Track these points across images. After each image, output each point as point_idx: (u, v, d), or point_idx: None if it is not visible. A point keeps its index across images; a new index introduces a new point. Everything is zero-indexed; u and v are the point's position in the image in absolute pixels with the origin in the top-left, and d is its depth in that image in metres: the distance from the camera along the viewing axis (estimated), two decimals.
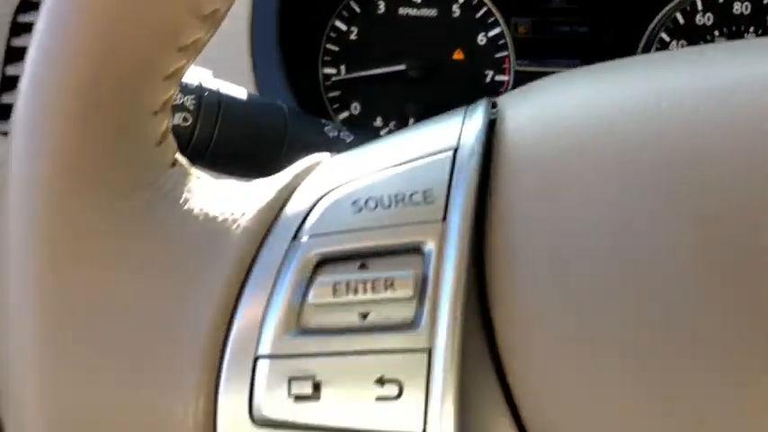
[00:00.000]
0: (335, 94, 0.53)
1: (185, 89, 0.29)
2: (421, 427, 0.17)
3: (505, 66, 0.53)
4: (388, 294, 0.18)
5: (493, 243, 0.18)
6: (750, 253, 0.16)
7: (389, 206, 0.19)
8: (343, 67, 0.53)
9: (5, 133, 0.42)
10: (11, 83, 0.44)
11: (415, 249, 0.18)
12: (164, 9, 0.19)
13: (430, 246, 0.18)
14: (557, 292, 0.17)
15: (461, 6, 0.53)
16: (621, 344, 0.17)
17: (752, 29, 0.52)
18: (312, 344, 0.18)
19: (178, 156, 0.20)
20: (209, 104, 0.30)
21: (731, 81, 0.19)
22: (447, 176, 0.19)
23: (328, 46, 0.53)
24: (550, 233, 0.18)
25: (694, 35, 0.52)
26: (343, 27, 0.53)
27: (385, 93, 0.53)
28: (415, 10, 0.53)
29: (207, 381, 0.18)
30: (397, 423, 0.17)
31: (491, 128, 0.20)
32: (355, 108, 0.53)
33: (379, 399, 0.17)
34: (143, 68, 0.19)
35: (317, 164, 0.21)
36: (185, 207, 0.19)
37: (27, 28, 0.45)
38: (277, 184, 0.20)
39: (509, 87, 0.53)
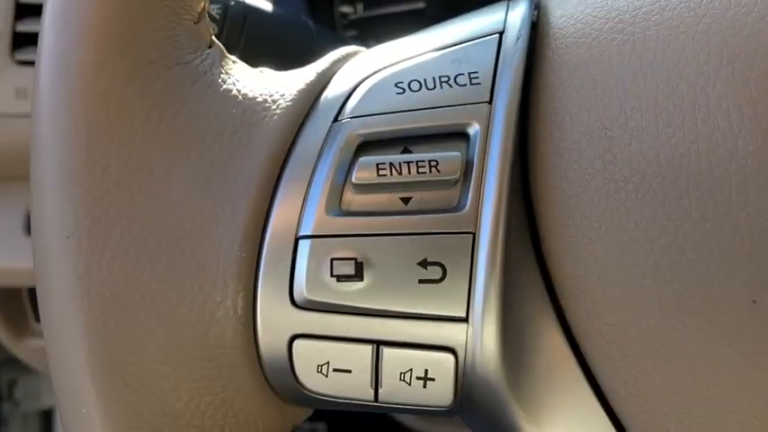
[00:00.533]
0: (352, 33, 0.52)
1: None
2: (464, 311, 0.17)
3: None
4: (433, 176, 0.17)
5: (538, 125, 0.18)
6: None
7: (434, 88, 0.18)
8: (360, 6, 0.52)
9: (25, 62, 0.41)
10: (25, 11, 0.43)
11: (460, 132, 0.18)
12: None
13: (476, 127, 0.18)
14: (601, 174, 0.17)
15: None
16: (663, 226, 0.16)
17: None
18: (355, 224, 0.17)
19: (214, 39, 0.19)
20: (235, 14, 0.29)
21: None
22: (494, 58, 0.18)
23: None
24: (596, 114, 0.17)
25: None
26: None
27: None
28: None
29: (248, 264, 0.18)
30: (439, 306, 0.17)
31: (537, 13, 0.20)
32: None
33: (422, 281, 0.17)
34: None
35: (356, 52, 0.20)
36: (223, 87, 0.18)
37: None
38: (316, 69, 0.19)
39: None
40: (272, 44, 0.31)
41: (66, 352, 0.18)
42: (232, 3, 0.29)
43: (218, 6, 0.29)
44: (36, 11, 0.43)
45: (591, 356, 0.17)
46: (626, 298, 0.16)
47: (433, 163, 0.17)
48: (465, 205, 0.17)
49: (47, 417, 0.99)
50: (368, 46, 0.55)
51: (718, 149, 0.15)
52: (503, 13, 0.20)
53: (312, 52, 0.32)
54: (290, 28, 0.32)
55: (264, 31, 0.30)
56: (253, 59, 0.31)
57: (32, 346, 0.50)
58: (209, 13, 0.29)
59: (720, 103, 0.16)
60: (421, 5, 0.51)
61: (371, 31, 0.52)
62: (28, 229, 0.43)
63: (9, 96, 0.40)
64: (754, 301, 0.15)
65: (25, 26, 0.42)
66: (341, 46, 0.35)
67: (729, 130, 0.15)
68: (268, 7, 0.31)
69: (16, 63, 0.41)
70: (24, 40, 0.43)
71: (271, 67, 0.27)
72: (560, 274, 0.17)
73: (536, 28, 0.19)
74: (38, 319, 0.47)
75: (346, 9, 0.52)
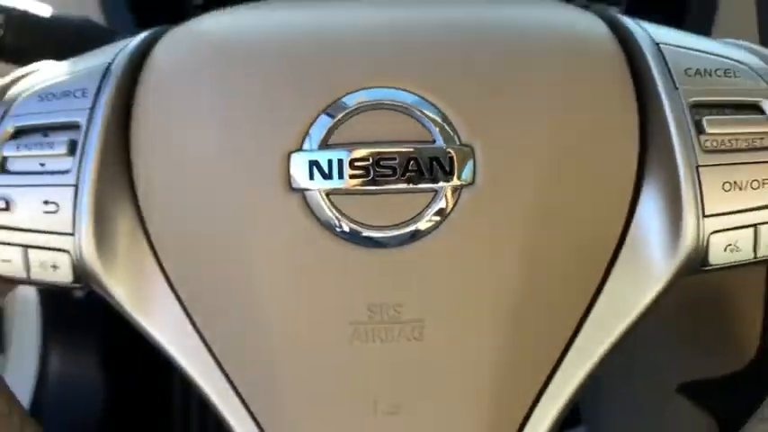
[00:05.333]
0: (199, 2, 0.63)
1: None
2: (71, 229, 0.29)
3: None
4: (55, 151, 0.29)
5: (136, 116, 0.30)
6: None
7: (60, 99, 0.30)
8: None
9: None
10: None
11: (72, 124, 0.30)
12: None
13: (81, 122, 0.29)
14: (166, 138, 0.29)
15: None
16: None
17: None
18: (8, 179, 0.30)
19: None
20: (17, 18, 0.40)
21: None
22: (99, 79, 0.30)
23: None
24: (164, 110, 0.29)
25: None
26: None
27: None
28: None
29: None
30: (56, 227, 0.29)
31: (147, 48, 0.31)
32: None
33: (45, 213, 0.29)
34: None
35: (32, 71, 0.32)
36: None
37: None
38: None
39: None
40: (48, 35, 0.42)
41: None
42: (14, 12, 0.40)
43: (2, 15, 0.40)
44: None
45: (154, 235, 0.29)
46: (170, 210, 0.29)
47: (57, 142, 0.29)
48: (72, 169, 0.29)
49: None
50: None
51: None
52: (121, 47, 0.31)
53: (82, 41, 0.43)
54: (65, 24, 0.43)
55: (42, 27, 0.42)
56: (34, 48, 0.42)
57: None
58: None
59: None
60: None
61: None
62: None
63: None
64: None
65: None
66: (106, 37, 0.46)
67: None
68: (47, 12, 0.42)
69: None
70: None
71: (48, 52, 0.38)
72: (147, 206, 0.29)
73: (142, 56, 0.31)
74: None
75: None
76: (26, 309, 1.03)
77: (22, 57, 0.40)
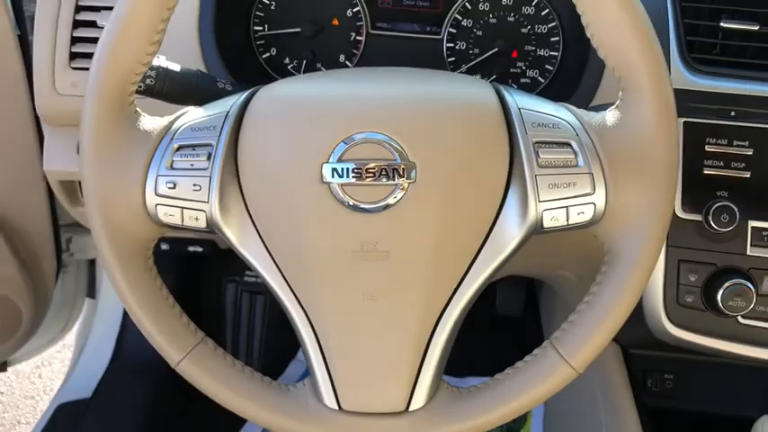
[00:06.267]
0: (261, 42, 0.89)
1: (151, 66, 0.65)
2: (206, 199, 0.55)
3: (362, 30, 0.87)
4: (199, 158, 0.55)
5: (241, 140, 0.55)
6: None
7: (202, 130, 0.56)
8: (266, 26, 0.88)
9: (77, 68, 0.80)
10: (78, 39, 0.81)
11: (209, 144, 0.55)
12: (148, 18, 0.53)
13: (213, 143, 0.55)
14: (259, 164, 0.54)
15: None
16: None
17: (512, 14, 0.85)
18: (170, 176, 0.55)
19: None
20: (161, 71, 0.66)
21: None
22: (222, 120, 0.56)
23: (257, 12, 0.88)
24: (255, 136, 0.55)
25: (480, 18, 0.85)
26: (267, 2, 0.88)
27: (290, 43, 0.88)
28: None
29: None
30: (198, 197, 0.56)
31: (247, 101, 0.57)
32: (273, 51, 0.89)
33: (193, 190, 0.55)
34: (136, 59, 0.55)
35: (183, 113, 0.58)
36: (134, 127, 0.56)
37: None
38: (166, 120, 0.57)
39: (363, 45, 0.87)
40: (180, 83, 0.68)
41: (91, 221, 0.56)
42: (160, 68, 0.66)
43: (154, 69, 0.65)
44: (86, 46, 0.81)
45: (249, 203, 0.55)
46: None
47: (200, 153, 0.55)
48: (208, 168, 0.55)
49: (92, 263, 1.40)
50: (270, 50, 0.90)
51: None
52: (234, 100, 0.57)
53: (199, 85, 0.69)
54: (189, 74, 0.69)
55: (176, 78, 0.67)
56: (172, 92, 0.68)
57: (81, 211, 0.91)
58: (149, 74, 0.66)
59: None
60: (299, 29, 0.87)
61: (272, 42, 0.88)
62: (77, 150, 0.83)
63: (68, 86, 0.79)
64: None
65: (77, 48, 0.80)
66: (213, 82, 0.72)
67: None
68: (178, 67, 0.68)
69: (72, 69, 0.79)
70: (77, 56, 0.81)
71: (184, 94, 0.65)
72: (244, 183, 0.55)
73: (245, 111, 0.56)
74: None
75: (258, 28, 0.88)
76: None
77: (165, 96, 0.66)
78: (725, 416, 0.93)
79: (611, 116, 0.54)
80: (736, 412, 0.92)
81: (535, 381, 0.54)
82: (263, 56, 0.88)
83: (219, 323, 1.34)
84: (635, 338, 0.86)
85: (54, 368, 1.96)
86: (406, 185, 0.52)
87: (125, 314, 1.29)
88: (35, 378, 1.94)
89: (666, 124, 0.52)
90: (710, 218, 0.69)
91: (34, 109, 0.95)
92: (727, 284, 0.69)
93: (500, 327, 1.41)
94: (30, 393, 1.89)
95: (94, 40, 0.78)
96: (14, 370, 1.92)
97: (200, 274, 1.33)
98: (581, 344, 0.54)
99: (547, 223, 0.53)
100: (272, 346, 1.35)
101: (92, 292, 1.40)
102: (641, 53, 0.50)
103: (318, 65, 0.87)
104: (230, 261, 1.32)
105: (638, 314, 0.76)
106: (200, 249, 1.03)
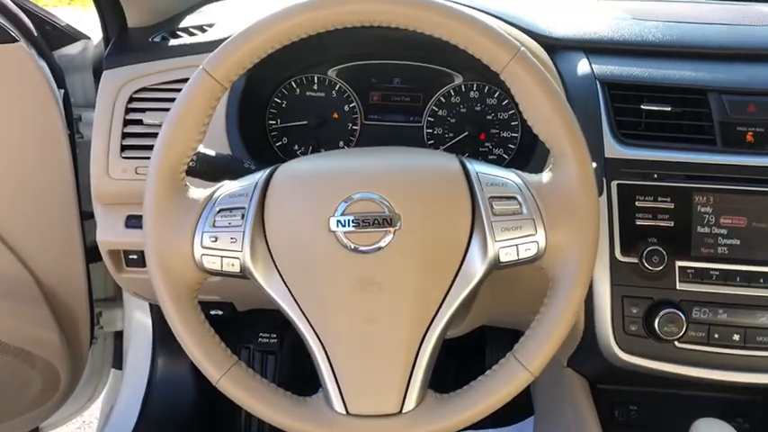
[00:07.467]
0: (275, 133, 1.08)
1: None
2: (240, 249, 0.72)
3: (357, 121, 1.07)
4: (235, 218, 0.72)
5: (267, 204, 0.72)
6: None
7: (237, 197, 0.73)
8: (278, 120, 1.08)
9: (127, 158, 0.98)
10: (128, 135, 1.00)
11: (243, 208, 0.72)
12: (196, 117, 0.71)
13: (246, 207, 0.72)
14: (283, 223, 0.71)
15: (336, 91, 1.07)
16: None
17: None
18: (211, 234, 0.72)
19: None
20: (201, 156, 0.84)
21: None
22: (252, 189, 0.73)
23: (271, 110, 1.08)
24: (277, 202, 0.72)
25: (453, 108, 1.05)
26: (279, 101, 1.08)
27: (299, 133, 1.07)
28: (313, 93, 1.07)
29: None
30: (234, 248, 0.73)
31: (271, 174, 0.74)
32: (284, 140, 1.08)
33: (230, 243, 0.72)
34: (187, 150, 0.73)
35: (221, 185, 0.75)
36: (185, 196, 0.73)
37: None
38: (209, 190, 0.74)
39: (358, 133, 1.06)
40: (215, 165, 0.85)
41: (150, 268, 0.72)
42: (200, 152, 0.84)
43: (195, 154, 0.83)
44: (134, 140, 1.00)
45: (273, 252, 0.71)
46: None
47: (236, 214, 0.72)
48: (242, 225, 0.72)
49: (118, 336, 1.54)
50: (282, 139, 1.11)
51: None
52: (261, 174, 0.74)
53: (230, 165, 0.87)
54: (222, 158, 0.87)
55: (212, 160, 0.85)
56: (209, 172, 0.85)
57: (125, 277, 1.07)
58: (193, 159, 0.83)
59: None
60: (305, 122, 1.06)
61: (284, 132, 1.07)
62: (126, 225, 1.00)
63: (119, 171, 0.97)
64: None
65: (126, 142, 0.99)
66: (240, 163, 0.90)
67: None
68: (213, 152, 0.86)
69: (123, 158, 0.98)
70: (127, 148, 0.99)
71: (218, 173, 0.83)
72: (269, 237, 0.72)
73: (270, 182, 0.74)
74: (127, 264, 1.04)
75: (273, 122, 1.07)
76: (142, 332, 1.44)
77: (204, 175, 0.84)
78: None
79: (545, 176, 0.71)
80: None
81: (502, 384, 0.69)
82: (277, 144, 1.07)
83: None
84: (599, 371, 1.00)
85: None
86: (393, 232, 0.68)
87: (149, 381, 1.42)
88: None
89: (587, 180, 0.69)
90: (644, 260, 0.86)
91: (78, 194, 1.14)
92: (661, 314, 0.85)
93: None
94: None
95: (141, 135, 0.98)
96: None
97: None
98: (535, 353, 0.69)
99: (503, 258, 0.70)
100: None
101: (117, 363, 1.52)
102: (565, 130, 0.68)
103: (322, 150, 1.06)
104: (244, 329, 1.46)
105: (594, 346, 0.91)
106: (220, 312, 1.18)
